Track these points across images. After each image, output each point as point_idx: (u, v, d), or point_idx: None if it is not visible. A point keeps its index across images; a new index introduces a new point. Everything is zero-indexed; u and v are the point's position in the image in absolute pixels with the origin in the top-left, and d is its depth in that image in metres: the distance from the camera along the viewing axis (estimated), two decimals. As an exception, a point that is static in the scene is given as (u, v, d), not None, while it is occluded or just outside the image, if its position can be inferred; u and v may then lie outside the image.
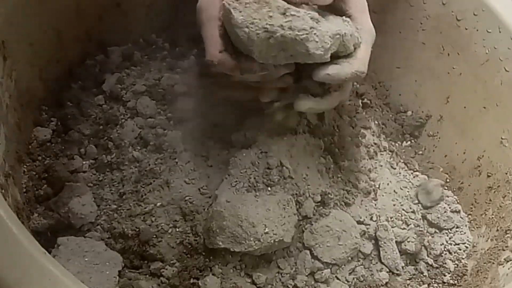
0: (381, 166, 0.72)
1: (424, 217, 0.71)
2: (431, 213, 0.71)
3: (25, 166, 0.60)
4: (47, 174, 0.61)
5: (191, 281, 0.58)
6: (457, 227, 0.72)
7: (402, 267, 0.66)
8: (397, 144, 0.78)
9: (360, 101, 0.78)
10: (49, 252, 0.45)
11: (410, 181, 0.73)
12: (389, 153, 0.75)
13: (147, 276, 0.58)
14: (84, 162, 0.63)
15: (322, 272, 0.61)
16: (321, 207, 0.63)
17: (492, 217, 0.69)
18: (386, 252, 0.66)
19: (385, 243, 0.66)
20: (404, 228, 0.69)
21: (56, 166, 0.61)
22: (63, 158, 0.63)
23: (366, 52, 0.60)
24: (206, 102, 0.66)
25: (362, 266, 0.64)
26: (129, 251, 0.59)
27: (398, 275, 0.66)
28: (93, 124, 0.66)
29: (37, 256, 0.42)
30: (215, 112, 0.65)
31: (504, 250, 0.64)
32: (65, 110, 0.66)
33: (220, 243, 0.58)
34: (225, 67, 0.55)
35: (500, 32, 0.70)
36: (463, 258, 0.69)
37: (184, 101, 0.67)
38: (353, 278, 0.63)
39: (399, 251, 0.67)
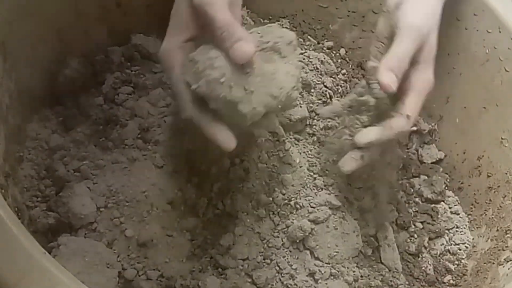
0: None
1: (424, 217, 0.71)
2: (431, 214, 0.71)
3: (25, 166, 0.60)
4: (47, 174, 0.61)
5: (191, 281, 0.58)
6: (457, 227, 0.72)
7: (402, 267, 0.66)
8: (398, 144, 0.78)
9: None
10: (49, 252, 0.45)
11: (409, 180, 0.73)
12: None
13: (147, 276, 0.58)
14: (84, 162, 0.63)
15: (322, 272, 0.61)
16: (325, 208, 0.63)
17: (492, 217, 0.69)
18: (386, 252, 0.66)
19: (385, 243, 0.66)
20: (404, 228, 0.69)
21: (56, 166, 0.61)
22: (63, 158, 0.63)
23: (416, 105, 0.60)
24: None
25: (362, 267, 0.64)
26: (129, 251, 0.59)
27: (398, 275, 0.66)
28: (93, 124, 0.66)
29: (37, 256, 0.42)
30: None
31: (504, 250, 0.64)
32: (65, 110, 0.66)
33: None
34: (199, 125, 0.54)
35: (500, 32, 0.70)
36: (463, 258, 0.69)
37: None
38: (353, 279, 0.63)
39: (399, 252, 0.67)
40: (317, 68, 0.74)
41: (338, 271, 0.62)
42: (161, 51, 0.56)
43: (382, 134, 0.60)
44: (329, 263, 0.62)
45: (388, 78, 0.58)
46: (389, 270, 0.65)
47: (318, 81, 0.73)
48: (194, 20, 0.55)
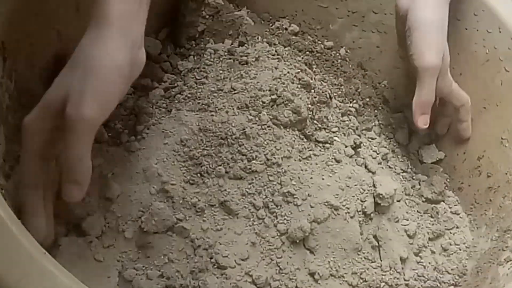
0: (382, 166, 0.72)
1: (424, 217, 0.71)
2: (431, 214, 0.71)
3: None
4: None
5: (191, 281, 0.58)
6: (457, 227, 0.72)
7: (402, 267, 0.66)
8: (398, 144, 0.78)
9: (360, 101, 0.78)
10: (49, 252, 0.45)
11: (409, 181, 0.73)
12: (390, 153, 0.75)
13: (147, 276, 0.58)
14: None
15: (322, 272, 0.61)
16: (324, 208, 0.63)
17: (492, 217, 0.69)
18: (386, 252, 0.65)
19: (385, 243, 0.66)
20: (404, 229, 0.68)
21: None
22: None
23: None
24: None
25: (362, 266, 0.64)
26: (129, 251, 0.59)
27: (398, 275, 0.66)
28: (93, 124, 0.66)
29: (37, 256, 0.42)
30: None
31: (504, 250, 0.64)
32: (65, 110, 0.66)
33: None
34: None
35: (500, 32, 0.70)
36: (463, 258, 0.69)
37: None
38: (353, 278, 0.63)
39: (399, 251, 0.67)
40: (317, 68, 0.74)
41: (338, 271, 0.62)
42: (27, 120, 0.50)
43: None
44: (329, 263, 0.62)
45: (422, 121, 0.69)
46: (389, 270, 0.65)
47: (318, 81, 0.73)
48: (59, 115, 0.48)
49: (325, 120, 0.69)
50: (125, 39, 0.51)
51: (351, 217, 0.64)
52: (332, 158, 0.66)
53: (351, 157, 0.68)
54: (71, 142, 0.47)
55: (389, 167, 0.74)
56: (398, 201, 0.70)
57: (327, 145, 0.67)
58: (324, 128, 0.68)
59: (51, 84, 0.50)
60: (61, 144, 0.49)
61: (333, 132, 0.69)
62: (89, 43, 0.50)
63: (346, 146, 0.68)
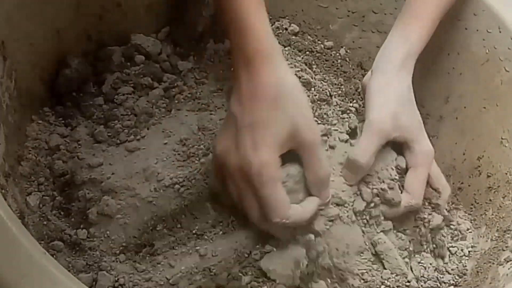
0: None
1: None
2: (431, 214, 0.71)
3: (25, 166, 0.60)
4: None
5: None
6: (457, 228, 0.72)
7: (403, 268, 0.66)
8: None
9: (360, 101, 0.78)
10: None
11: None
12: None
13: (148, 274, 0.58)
14: (84, 162, 0.63)
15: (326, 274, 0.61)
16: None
17: (492, 217, 0.69)
18: (389, 262, 0.65)
19: (387, 254, 0.65)
20: (404, 229, 0.68)
21: (56, 166, 0.61)
22: (63, 157, 0.63)
23: (422, 179, 0.66)
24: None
25: (365, 268, 0.64)
26: (130, 251, 0.59)
27: (399, 277, 0.66)
28: (93, 124, 0.66)
29: (37, 256, 0.42)
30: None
31: (504, 250, 0.64)
32: (65, 110, 0.66)
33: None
34: (297, 221, 0.57)
35: (500, 32, 0.70)
36: (463, 258, 0.69)
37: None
38: (354, 279, 0.63)
39: (399, 252, 0.67)
40: (317, 68, 0.74)
41: (341, 274, 0.62)
42: (260, 164, 0.54)
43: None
44: (332, 264, 0.62)
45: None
46: (391, 269, 0.65)
47: (318, 80, 0.73)
48: (290, 141, 0.56)
49: (325, 116, 0.69)
50: None
51: (354, 220, 0.64)
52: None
53: (346, 142, 0.68)
54: (318, 159, 0.57)
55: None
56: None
57: (324, 137, 0.67)
58: (324, 124, 0.68)
59: (258, 127, 0.55)
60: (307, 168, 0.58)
61: (333, 125, 0.69)
62: (281, 76, 0.56)
63: (341, 132, 0.68)
